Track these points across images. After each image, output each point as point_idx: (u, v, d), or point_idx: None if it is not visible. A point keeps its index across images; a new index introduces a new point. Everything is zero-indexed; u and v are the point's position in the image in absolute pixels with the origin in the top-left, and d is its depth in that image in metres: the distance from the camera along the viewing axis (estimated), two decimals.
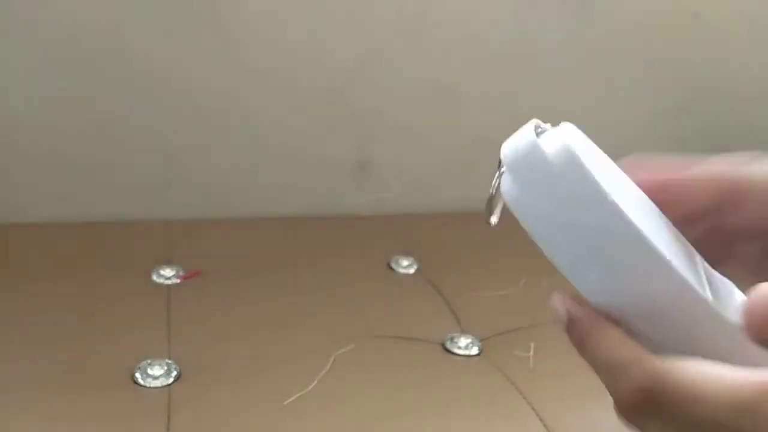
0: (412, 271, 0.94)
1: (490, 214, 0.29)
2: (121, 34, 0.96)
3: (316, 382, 0.70)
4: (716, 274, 0.31)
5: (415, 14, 1.07)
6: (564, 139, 0.27)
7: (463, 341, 0.79)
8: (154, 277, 0.86)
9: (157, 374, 0.69)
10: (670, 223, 0.31)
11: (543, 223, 0.27)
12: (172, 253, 0.92)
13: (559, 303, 0.28)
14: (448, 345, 0.78)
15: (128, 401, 0.66)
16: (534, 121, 0.28)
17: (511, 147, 0.28)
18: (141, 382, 0.68)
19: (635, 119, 1.25)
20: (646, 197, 0.31)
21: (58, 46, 0.94)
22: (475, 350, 0.78)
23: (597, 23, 1.17)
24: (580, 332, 0.28)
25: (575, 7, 1.15)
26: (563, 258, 0.27)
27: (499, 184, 0.28)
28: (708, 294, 0.27)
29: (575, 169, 0.26)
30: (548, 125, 0.29)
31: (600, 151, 0.31)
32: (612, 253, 0.26)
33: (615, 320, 0.27)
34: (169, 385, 0.68)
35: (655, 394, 0.25)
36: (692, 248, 0.31)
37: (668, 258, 0.26)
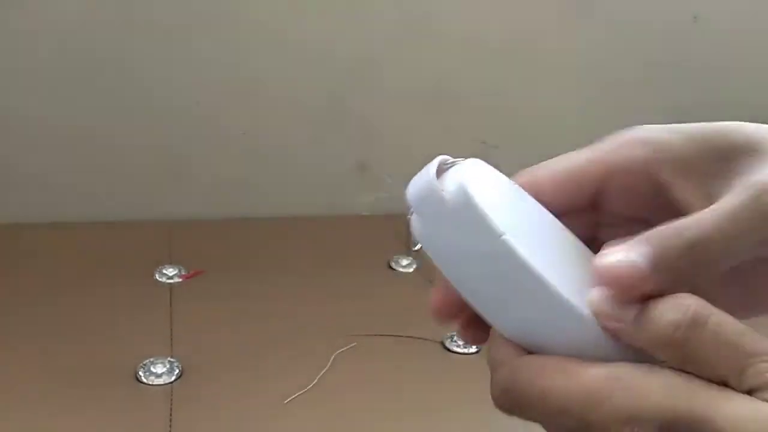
0: (411, 270, 0.95)
1: (412, 245, 0.31)
2: (121, 37, 0.96)
3: (316, 380, 0.70)
4: None
5: (414, 16, 1.08)
6: (461, 178, 0.28)
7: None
8: (157, 277, 0.87)
9: (159, 372, 0.70)
10: (573, 239, 0.32)
11: (446, 257, 0.29)
12: (174, 253, 0.92)
13: None
14: (448, 343, 0.79)
15: (131, 399, 0.67)
16: (440, 158, 0.30)
17: (413, 187, 0.29)
18: (144, 380, 0.69)
19: (635, 120, 1.26)
20: (551, 218, 0.31)
21: (60, 48, 0.94)
22: (473, 348, 0.78)
23: (596, 24, 1.17)
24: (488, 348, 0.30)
25: (575, 8, 1.15)
26: (466, 288, 0.29)
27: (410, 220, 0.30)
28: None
29: (470, 209, 0.27)
30: (458, 160, 0.30)
31: (508, 182, 0.31)
32: (507, 288, 0.28)
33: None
34: (172, 383, 0.69)
35: (513, 392, 0.27)
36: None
37: (559, 291, 0.27)
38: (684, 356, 0.26)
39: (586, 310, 0.27)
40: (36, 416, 0.64)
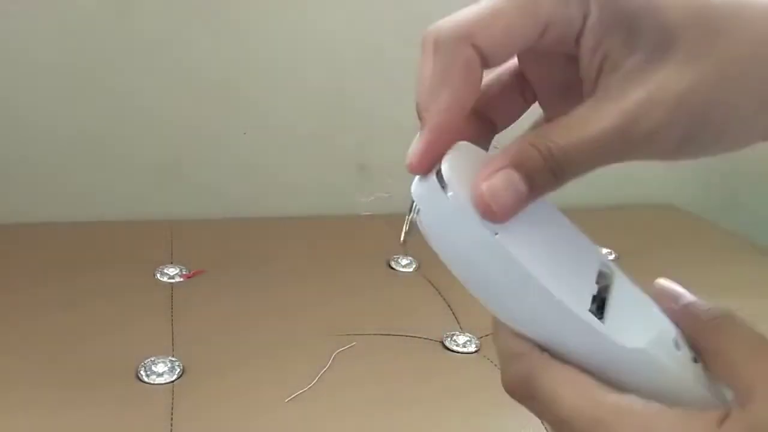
0: (411, 270, 0.95)
1: (405, 236, 0.31)
2: (124, 35, 0.96)
3: (317, 379, 0.70)
4: (629, 291, 0.32)
5: (414, 16, 1.08)
6: (459, 175, 0.29)
7: (462, 339, 0.79)
8: (158, 276, 0.87)
9: (160, 371, 0.70)
10: (576, 234, 0.33)
11: (449, 252, 0.30)
12: (175, 253, 0.92)
13: None
14: (447, 342, 0.79)
15: (132, 398, 0.67)
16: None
17: (417, 184, 0.31)
18: (145, 379, 0.69)
19: None
20: (557, 212, 0.32)
21: (61, 48, 0.94)
22: (473, 347, 0.78)
23: None
24: (494, 334, 0.32)
25: None
26: (471, 283, 0.30)
27: (414, 215, 0.31)
28: (590, 317, 0.29)
29: (466, 209, 0.29)
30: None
31: None
32: (508, 285, 0.29)
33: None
34: (173, 382, 0.69)
35: (529, 387, 0.29)
36: (596, 260, 0.32)
37: (552, 291, 0.28)
38: (713, 343, 0.29)
39: (579, 308, 0.29)
40: (37, 415, 0.64)
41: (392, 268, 0.95)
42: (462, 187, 0.29)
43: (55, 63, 0.95)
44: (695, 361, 0.30)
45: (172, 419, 0.64)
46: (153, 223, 1.01)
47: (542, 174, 0.28)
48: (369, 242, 1.01)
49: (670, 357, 0.29)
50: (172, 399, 0.67)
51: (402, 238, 0.31)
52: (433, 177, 0.29)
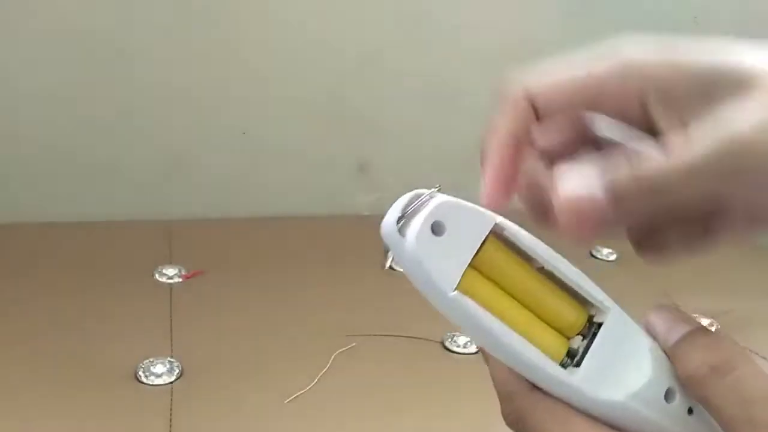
0: None
1: (385, 261, 0.32)
2: (121, 37, 0.96)
3: (316, 380, 0.70)
4: (623, 331, 0.30)
5: (415, 15, 1.08)
6: (418, 228, 0.28)
7: (462, 340, 0.79)
8: (157, 277, 0.86)
9: (159, 372, 0.70)
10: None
11: (421, 288, 0.30)
12: (174, 253, 0.92)
13: None
14: (448, 343, 0.79)
15: (131, 399, 0.67)
16: (411, 194, 0.30)
17: (383, 226, 0.30)
18: (144, 380, 0.69)
19: None
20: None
21: (61, 50, 0.94)
22: (473, 348, 0.78)
23: (597, 24, 1.17)
24: (485, 362, 0.32)
25: (575, 7, 1.15)
26: (446, 317, 0.30)
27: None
28: (557, 370, 0.29)
29: (421, 265, 0.28)
30: (432, 191, 0.30)
31: (471, 214, 0.30)
32: (473, 332, 0.29)
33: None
34: (172, 383, 0.69)
35: (525, 423, 0.30)
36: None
37: (516, 346, 0.28)
38: (701, 397, 0.27)
39: (545, 361, 0.29)
40: (36, 416, 0.64)
41: (392, 268, 0.94)
42: (419, 237, 0.28)
43: (53, 62, 0.95)
44: (690, 412, 0.29)
45: (171, 421, 0.64)
46: (152, 223, 1.00)
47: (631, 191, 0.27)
48: (369, 242, 1.00)
49: (655, 409, 0.28)
50: (171, 400, 0.67)
51: (387, 265, 0.31)
52: (393, 222, 0.29)
